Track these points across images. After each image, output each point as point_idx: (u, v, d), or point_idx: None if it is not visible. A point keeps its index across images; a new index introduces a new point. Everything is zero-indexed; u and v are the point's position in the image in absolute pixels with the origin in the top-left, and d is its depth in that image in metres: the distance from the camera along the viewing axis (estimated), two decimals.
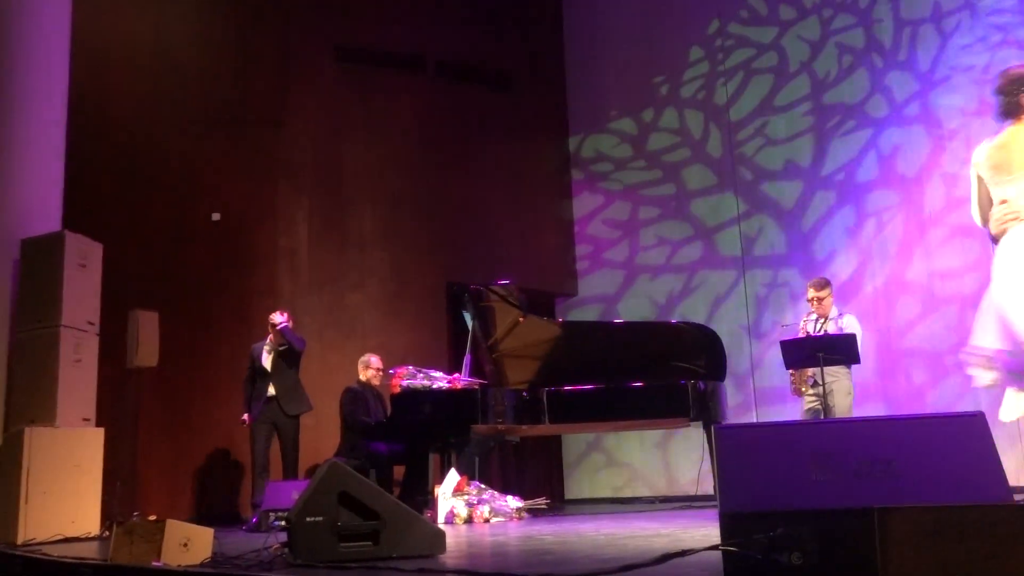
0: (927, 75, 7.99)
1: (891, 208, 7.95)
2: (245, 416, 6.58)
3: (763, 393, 8.15)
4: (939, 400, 6.98)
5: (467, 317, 6.73)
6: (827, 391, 5.96)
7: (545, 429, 6.69)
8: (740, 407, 8.20)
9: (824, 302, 6.22)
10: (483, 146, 9.26)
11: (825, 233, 8.32)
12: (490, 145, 9.30)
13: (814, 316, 6.22)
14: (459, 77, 9.27)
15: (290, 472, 6.46)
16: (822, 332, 6.07)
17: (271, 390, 6.51)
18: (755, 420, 7.78)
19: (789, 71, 8.82)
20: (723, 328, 8.04)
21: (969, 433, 2.59)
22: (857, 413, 6.17)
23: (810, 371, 6.02)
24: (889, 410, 7.40)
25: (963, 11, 7.91)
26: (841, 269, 8.11)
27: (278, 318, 6.61)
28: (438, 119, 9.04)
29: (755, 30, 9.10)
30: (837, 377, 5.98)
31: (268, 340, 6.63)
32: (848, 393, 5.98)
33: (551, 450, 9.22)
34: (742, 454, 2.86)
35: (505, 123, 9.48)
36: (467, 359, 6.61)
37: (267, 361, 6.57)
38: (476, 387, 6.14)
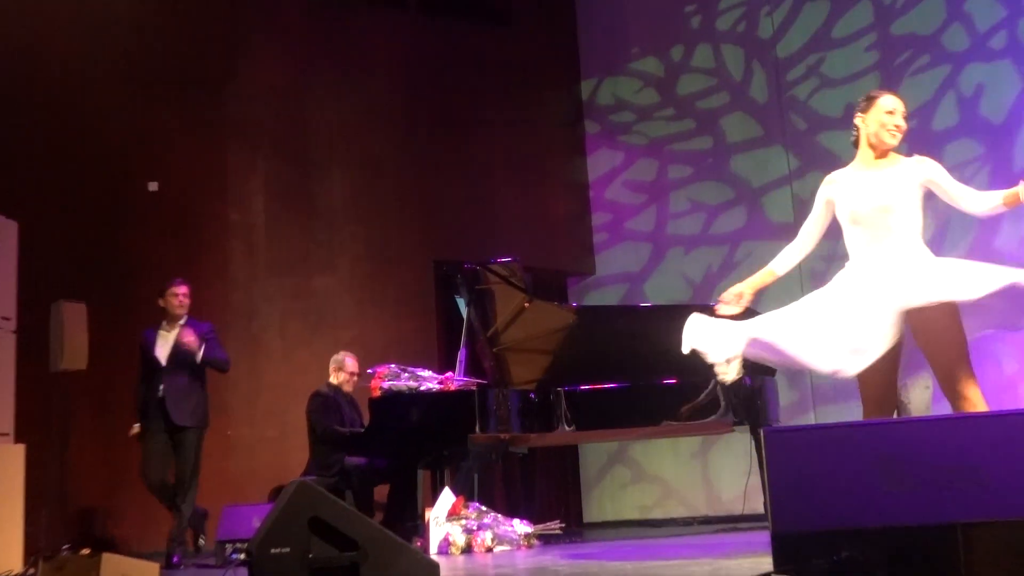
0: None
1: (975, 161, 7.93)
2: (136, 426, 6.18)
3: (822, 390, 8.17)
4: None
5: (461, 303, 6.74)
6: (900, 385, 5.93)
7: (558, 438, 6.71)
8: (795, 407, 8.21)
9: None
10: (478, 96, 9.24)
11: None
12: (486, 94, 9.29)
13: None
14: (448, 12, 9.25)
15: (185, 501, 6.09)
16: None
17: (161, 390, 5.97)
18: (813, 422, 7.79)
19: None
20: (772, 311, 8.03)
21: None
22: (936, 411, 6.18)
23: None
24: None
25: None
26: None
27: (183, 319, 6.08)
28: (423, 64, 9.02)
29: None
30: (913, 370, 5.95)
31: (165, 324, 6.13)
32: (926, 387, 5.98)
33: (566, 463, 9.25)
34: (796, 463, 2.89)
35: (504, 67, 9.46)
36: (462, 354, 6.62)
37: (162, 352, 6.06)
38: (473, 388, 6.16)
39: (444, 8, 9.24)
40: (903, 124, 4.01)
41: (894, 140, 4.02)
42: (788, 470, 2.95)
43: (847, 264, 4.07)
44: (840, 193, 4.11)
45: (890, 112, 4.02)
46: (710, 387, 6.06)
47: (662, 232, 9.34)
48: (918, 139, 8.25)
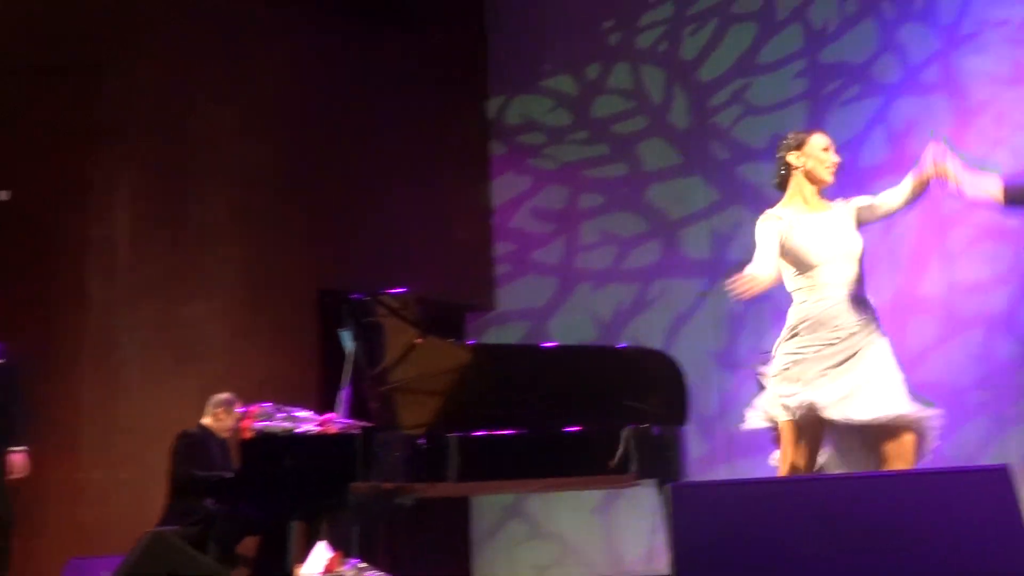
0: (950, 30, 8.23)
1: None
2: None
3: (737, 440, 8.27)
4: (959, 449, 7.17)
5: (346, 337, 6.69)
6: None
7: (449, 489, 6.68)
8: (705, 459, 8.29)
9: None
10: (376, 108, 9.22)
11: None
12: (385, 107, 9.27)
13: None
14: (348, 14, 9.22)
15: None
16: None
17: None
18: (725, 477, 7.89)
19: (777, 19, 9.00)
20: (686, 355, 8.11)
21: (991, 490, 2.69)
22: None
23: None
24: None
25: None
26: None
27: None
28: (318, 71, 8.97)
29: None
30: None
31: None
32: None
33: (457, 517, 9.21)
34: (705, 521, 2.92)
35: (406, 78, 9.46)
36: (345, 394, 6.56)
37: None
38: (356, 431, 6.11)
39: (345, 10, 9.20)
40: (837, 160, 4.30)
41: (831, 178, 4.28)
42: (695, 528, 2.97)
43: (801, 308, 4.39)
44: (792, 232, 4.29)
45: (826, 149, 4.29)
46: (622, 437, 6.11)
47: (570, 265, 9.41)
48: (845, 174, 8.44)
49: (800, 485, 3.18)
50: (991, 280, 7.51)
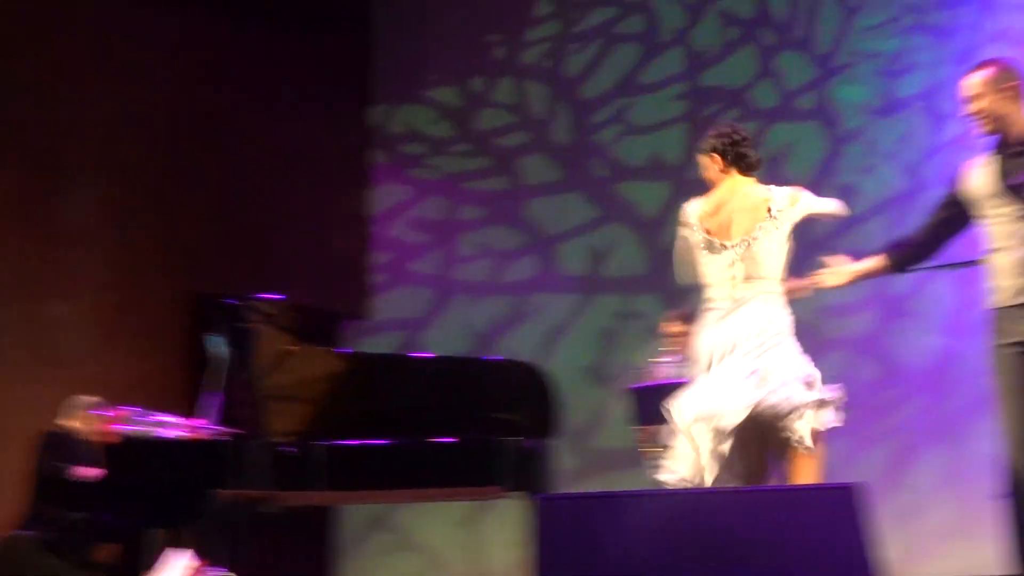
0: (826, 60, 8.48)
1: None
2: None
3: (608, 455, 8.36)
4: (826, 469, 7.36)
5: (217, 342, 6.60)
6: None
7: (316, 497, 6.63)
8: (576, 473, 8.34)
9: (685, 339, 6.49)
10: (256, 109, 9.12)
11: None
12: (266, 109, 9.17)
13: (671, 357, 6.47)
14: (230, 10, 9.10)
15: None
16: (680, 378, 6.31)
17: None
18: (594, 490, 7.96)
19: (660, 41, 9.15)
20: (559, 369, 8.17)
21: (839, 508, 2.77)
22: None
23: (662, 428, 6.22)
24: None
25: None
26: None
27: None
28: (196, 67, 8.84)
29: None
30: None
31: None
32: None
33: (322, 526, 9.12)
34: (568, 533, 2.95)
35: (289, 80, 9.37)
36: (215, 399, 6.47)
37: None
38: (225, 438, 6.03)
39: (225, 9, 9.07)
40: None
41: None
42: (558, 540, 2.99)
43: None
44: None
45: None
46: (489, 448, 6.14)
47: (448, 277, 9.41)
48: None
49: (661, 499, 3.24)
50: (855, 304, 7.74)
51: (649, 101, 9.09)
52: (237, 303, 6.56)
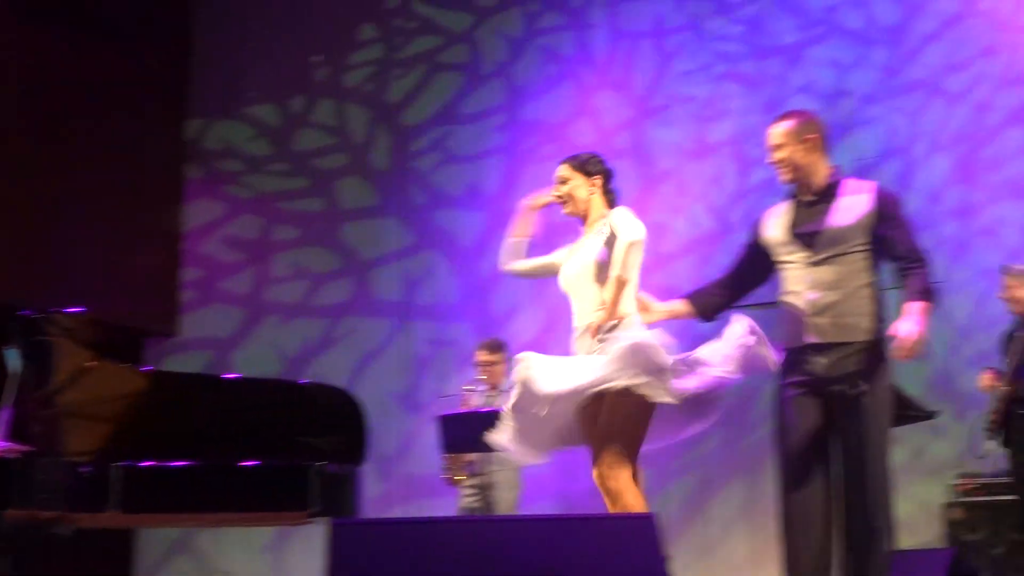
0: (642, 101, 8.73)
1: None
2: None
3: (418, 482, 8.36)
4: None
5: (10, 356, 6.33)
6: (488, 483, 6.26)
7: (112, 519, 6.39)
8: (382, 499, 8.31)
9: (496, 368, 6.63)
10: (63, 116, 8.80)
11: (507, 282, 8.73)
12: (76, 116, 8.85)
13: (481, 386, 6.56)
14: (38, 16, 8.78)
15: None
16: (489, 407, 6.40)
17: None
18: (399, 516, 7.94)
19: (482, 72, 9.26)
20: (369, 394, 8.13)
21: (637, 537, 2.83)
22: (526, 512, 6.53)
23: (470, 457, 6.29)
24: (566, 511, 7.88)
25: (687, 31, 8.76)
26: (523, 329, 8.55)
27: None
28: (3, 71, 8.50)
29: (446, 14, 9.48)
30: (502, 466, 6.33)
31: None
32: (514, 487, 6.35)
33: (119, 551, 8.82)
34: (361, 559, 2.91)
35: (102, 87, 9.05)
36: (6, 414, 6.20)
37: None
38: (15, 455, 5.77)
39: (38, 13, 8.75)
40: (562, 193, 4.68)
41: (564, 210, 4.70)
42: (353, 566, 2.96)
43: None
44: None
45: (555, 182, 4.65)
46: (296, 472, 6.04)
47: (259, 297, 9.25)
48: (540, 230, 8.74)
49: (456, 526, 3.25)
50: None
51: (469, 131, 9.17)
52: (34, 315, 6.30)
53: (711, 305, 4.52)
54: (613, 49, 8.96)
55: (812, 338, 4.12)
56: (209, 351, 9.18)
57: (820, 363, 4.10)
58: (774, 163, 4.30)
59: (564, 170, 4.65)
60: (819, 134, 4.29)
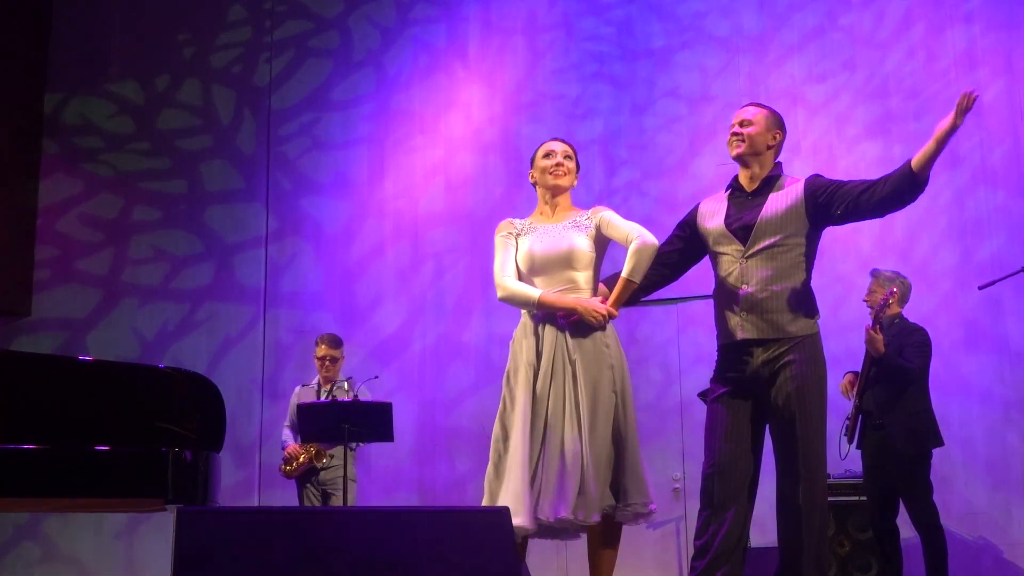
0: (512, 96, 8.75)
1: (455, 251, 8.53)
2: None
3: (274, 470, 8.26)
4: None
5: None
6: (329, 476, 6.56)
7: None
8: (240, 487, 8.22)
9: (337, 364, 7.21)
10: None
11: (371, 272, 8.69)
12: None
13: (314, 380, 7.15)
14: None
15: None
16: (343, 399, 6.56)
17: None
18: (253, 505, 7.84)
19: (353, 59, 9.18)
20: (229, 381, 8.04)
21: (491, 529, 2.84)
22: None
23: (313, 448, 6.56)
24: (422, 503, 7.89)
25: (559, 29, 8.82)
26: (387, 319, 8.52)
27: None
28: None
29: (316, 0, 9.37)
30: (338, 458, 6.79)
31: None
32: (351, 479, 6.60)
33: None
34: (208, 548, 2.84)
35: None
36: None
37: None
38: None
39: None
40: (566, 163, 4.50)
41: (555, 181, 4.47)
42: (198, 554, 2.91)
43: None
44: (521, 240, 4.47)
45: (546, 155, 4.53)
46: (149, 458, 5.90)
47: (117, 278, 9.00)
48: (403, 220, 8.74)
49: (308, 517, 3.21)
50: None
51: (337, 118, 9.08)
52: None
53: (647, 285, 4.44)
54: (485, 44, 8.97)
55: (745, 334, 4.14)
56: (63, 332, 8.91)
57: (753, 360, 4.13)
58: (737, 134, 4.29)
59: (570, 148, 4.62)
60: (783, 137, 4.33)
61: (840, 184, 4.16)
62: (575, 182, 4.63)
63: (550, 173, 4.51)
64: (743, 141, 4.28)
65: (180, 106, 9.34)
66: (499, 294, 4.45)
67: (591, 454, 4.14)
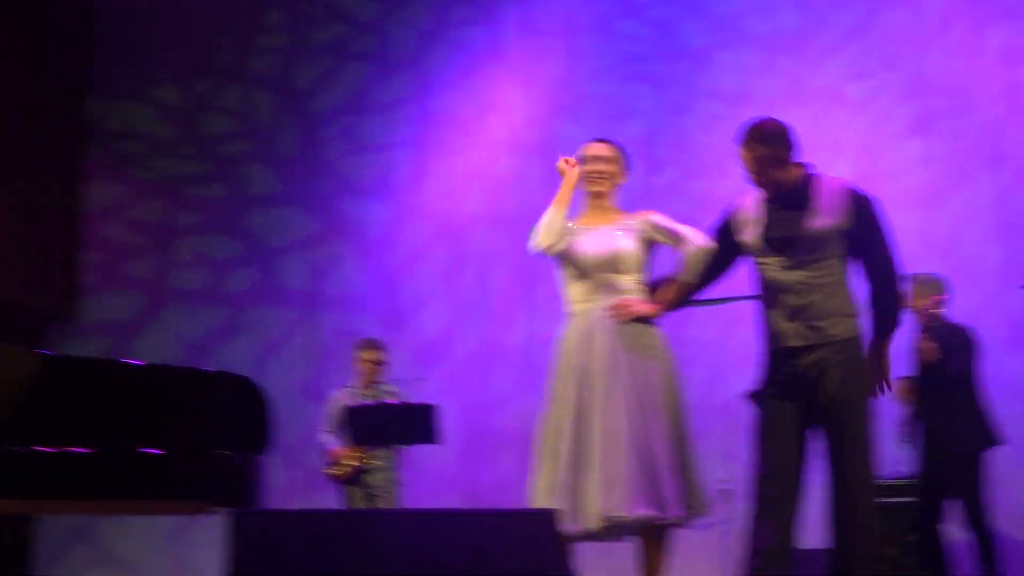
0: (551, 98, 8.75)
1: (497, 252, 8.54)
2: None
3: (319, 473, 8.29)
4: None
5: None
6: (375, 479, 6.67)
7: (5, 506, 6.22)
8: (286, 489, 8.24)
9: (381, 367, 7.29)
10: None
11: (415, 273, 8.72)
12: None
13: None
14: None
15: None
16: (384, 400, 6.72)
17: None
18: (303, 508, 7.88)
19: (392, 62, 9.21)
20: (274, 384, 7.98)
21: (538, 531, 2.85)
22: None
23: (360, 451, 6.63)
24: (468, 505, 7.90)
25: (597, 30, 8.82)
26: (430, 320, 8.54)
27: None
28: None
29: (354, 2, 9.41)
30: (386, 461, 6.89)
31: None
32: (397, 482, 6.83)
33: (17, 538, 8.60)
34: (261, 549, 2.87)
35: None
36: None
37: None
38: None
39: None
40: (605, 168, 4.45)
41: (592, 187, 4.45)
42: (254, 559, 2.93)
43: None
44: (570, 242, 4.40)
45: (593, 158, 4.48)
46: (198, 461, 5.95)
47: (162, 283, 9.06)
48: (446, 221, 8.76)
49: (360, 519, 3.23)
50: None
51: (378, 120, 9.12)
52: None
53: (693, 288, 4.44)
54: (523, 46, 8.97)
55: (790, 341, 4.11)
56: (110, 336, 8.98)
57: (799, 365, 4.09)
58: (752, 183, 4.20)
59: (609, 150, 4.55)
60: (791, 149, 4.17)
61: (868, 237, 4.13)
62: (618, 185, 4.58)
63: (588, 179, 4.50)
64: (754, 179, 4.19)
65: (221, 111, 9.40)
66: (531, 242, 4.46)
67: (661, 453, 4.15)
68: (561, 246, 4.40)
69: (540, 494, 4.21)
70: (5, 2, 8.90)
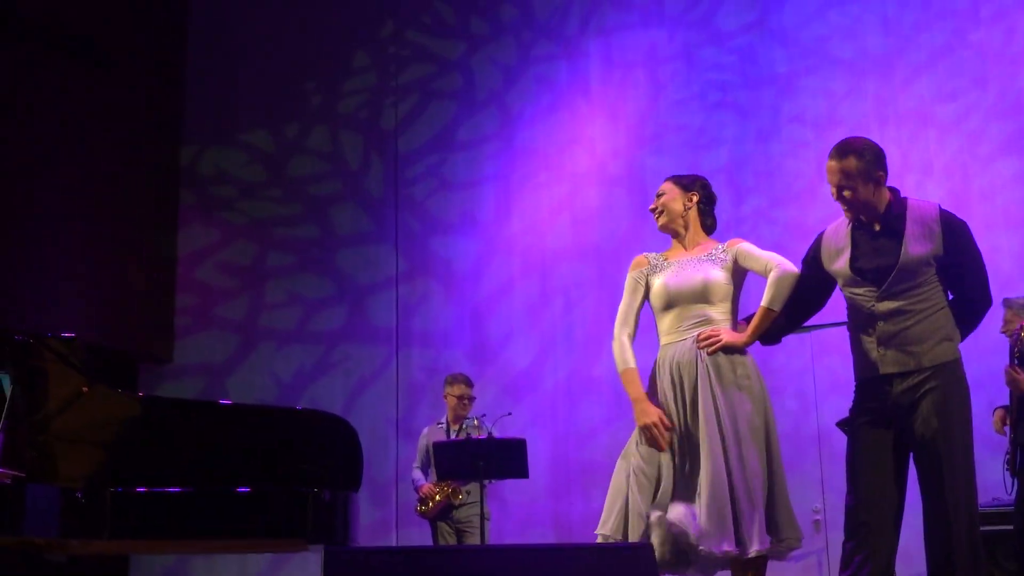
0: (635, 129, 8.72)
1: (583, 285, 8.51)
2: None
3: (410, 509, 8.30)
4: None
5: (3, 380, 6.27)
6: (464, 514, 6.59)
7: (104, 546, 6.32)
8: (377, 526, 8.27)
9: (470, 402, 7.21)
10: (55, 140, 8.74)
11: (501, 309, 8.72)
12: (66, 140, 8.81)
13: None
14: (35, 39, 8.74)
15: None
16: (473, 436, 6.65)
17: None
18: (396, 545, 7.89)
19: (477, 99, 9.27)
20: (364, 421, 8.11)
21: (636, 564, 2.81)
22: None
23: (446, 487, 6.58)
24: (557, 540, 7.85)
25: (679, 60, 8.77)
26: (517, 356, 8.52)
27: None
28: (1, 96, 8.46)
29: (439, 42, 9.50)
30: (474, 496, 6.73)
31: None
32: (485, 516, 6.54)
33: None
34: None
35: (95, 114, 9.04)
36: None
37: None
38: (6, 481, 5.71)
39: (30, 37, 8.70)
40: (660, 203, 4.50)
41: (658, 222, 4.50)
42: None
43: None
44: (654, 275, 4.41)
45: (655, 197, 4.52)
46: (289, 499, 5.98)
47: (254, 323, 9.21)
48: (530, 255, 8.76)
49: (455, 555, 3.20)
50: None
51: (463, 158, 9.17)
52: (27, 340, 6.24)
53: (776, 328, 4.34)
54: (606, 78, 8.97)
55: (884, 369, 4.01)
56: (203, 377, 9.13)
57: (892, 391, 4.00)
58: (839, 200, 4.07)
59: (664, 185, 4.58)
60: (882, 167, 4.05)
61: (962, 264, 4.04)
62: (681, 215, 4.47)
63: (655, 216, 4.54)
64: (847, 206, 4.08)
65: (310, 153, 9.55)
66: (613, 344, 4.43)
67: (743, 487, 4.06)
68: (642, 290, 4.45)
69: (633, 525, 4.15)
70: (96, 55, 9.13)
